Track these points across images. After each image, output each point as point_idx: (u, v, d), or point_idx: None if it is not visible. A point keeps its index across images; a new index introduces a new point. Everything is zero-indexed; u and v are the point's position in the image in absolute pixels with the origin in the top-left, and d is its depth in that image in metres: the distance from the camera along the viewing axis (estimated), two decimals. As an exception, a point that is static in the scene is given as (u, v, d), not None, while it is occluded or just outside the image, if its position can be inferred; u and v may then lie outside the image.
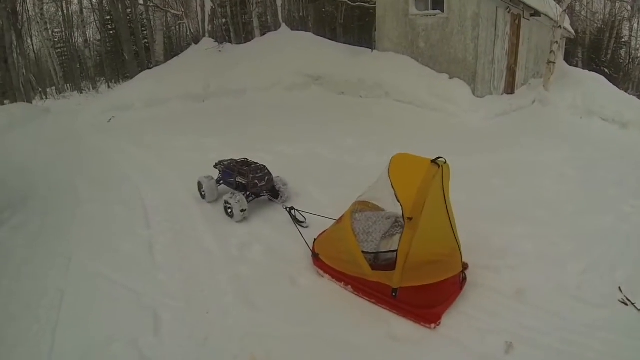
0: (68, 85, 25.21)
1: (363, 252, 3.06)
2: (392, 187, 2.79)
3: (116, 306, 3.26)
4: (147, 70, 14.02)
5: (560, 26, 10.05)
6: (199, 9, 15.20)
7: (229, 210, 4.35)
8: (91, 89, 22.87)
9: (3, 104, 17.15)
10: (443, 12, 8.84)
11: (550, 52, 10.08)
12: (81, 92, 22.21)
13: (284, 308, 3.14)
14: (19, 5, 18.88)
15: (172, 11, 17.86)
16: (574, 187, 4.99)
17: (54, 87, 24.43)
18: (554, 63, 10.02)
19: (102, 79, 25.35)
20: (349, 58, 10.74)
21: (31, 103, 16.32)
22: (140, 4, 21.09)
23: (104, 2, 24.53)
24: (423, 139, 6.54)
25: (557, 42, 10.08)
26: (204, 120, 9.20)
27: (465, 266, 3.20)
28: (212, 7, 14.05)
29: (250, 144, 6.66)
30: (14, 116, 11.49)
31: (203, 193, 4.89)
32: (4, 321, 3.28)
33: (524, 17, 10.04)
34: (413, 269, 2.83)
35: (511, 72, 10.14)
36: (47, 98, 21.25)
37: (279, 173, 4.98)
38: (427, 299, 2.87)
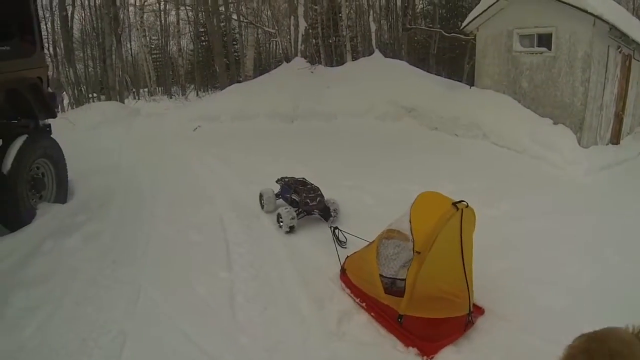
0: (159, 88, 26.51)
1: (381, 275, 3.18)
2: (410, 220, 2.96)
3: (186, 371, 2.64)
4: (237, 84, 14.10)
5: (673, 69, 8.83)
6: (291, 27, 15.11)
7: (280, 222, 4.66)
8: (180, 95, 23.81)
9: (100, 99, 18.21)
10: (550, 50, 7.85)
11: (661, 99, 8.91)
12: (170, 97, 23.17)
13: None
14: (121, 12, 20.15)
15: (266, 28, 18.05)
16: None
17: (146, 89, 25.77)
18: (666, 110, 8.79)
19: (192, 86, 26.38)
20: (444, 92, 10.05)
21: (123, 102, 17.08)
22: (234, 19, 21.66)
23: (199, 15, 25.68)
24: (526, 192, 5.72)
25: (669, 86, 8.91)
26: (293, 143, 8.78)
27: (480, 311, 3.16)
28: (306, 27, 13.87)
29: (343, 179, 6.07)
30: (105, 114, 11.88)
31: (263, 203, 5.20)
32: (58, 349, 2.84)
33: (634, 58, 8.76)
34: (419, 300, 2.93)
35: (618, 119, 8.83)
36: (139, 99, 22.35)
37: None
38: (428, 331, 2.93)
